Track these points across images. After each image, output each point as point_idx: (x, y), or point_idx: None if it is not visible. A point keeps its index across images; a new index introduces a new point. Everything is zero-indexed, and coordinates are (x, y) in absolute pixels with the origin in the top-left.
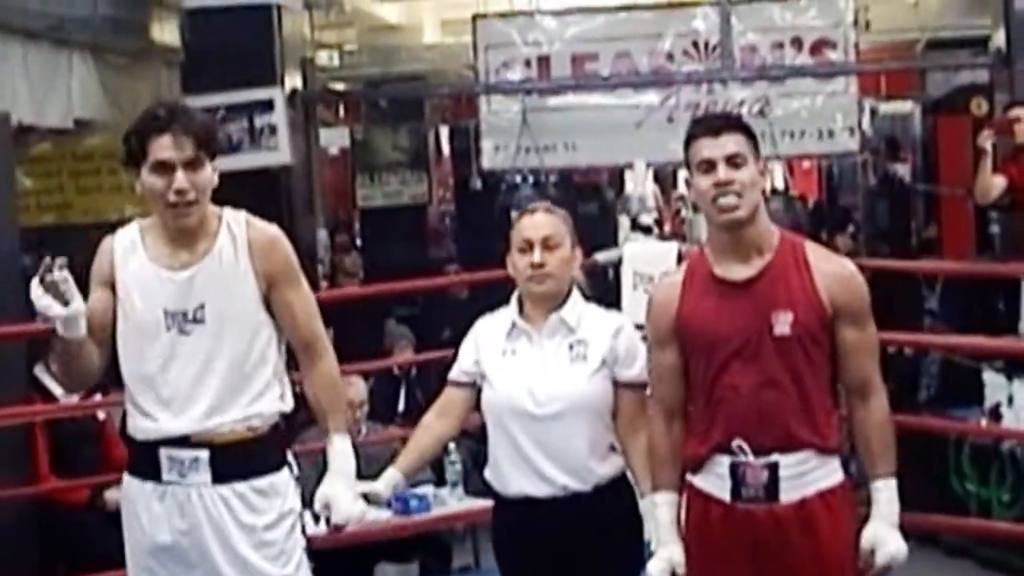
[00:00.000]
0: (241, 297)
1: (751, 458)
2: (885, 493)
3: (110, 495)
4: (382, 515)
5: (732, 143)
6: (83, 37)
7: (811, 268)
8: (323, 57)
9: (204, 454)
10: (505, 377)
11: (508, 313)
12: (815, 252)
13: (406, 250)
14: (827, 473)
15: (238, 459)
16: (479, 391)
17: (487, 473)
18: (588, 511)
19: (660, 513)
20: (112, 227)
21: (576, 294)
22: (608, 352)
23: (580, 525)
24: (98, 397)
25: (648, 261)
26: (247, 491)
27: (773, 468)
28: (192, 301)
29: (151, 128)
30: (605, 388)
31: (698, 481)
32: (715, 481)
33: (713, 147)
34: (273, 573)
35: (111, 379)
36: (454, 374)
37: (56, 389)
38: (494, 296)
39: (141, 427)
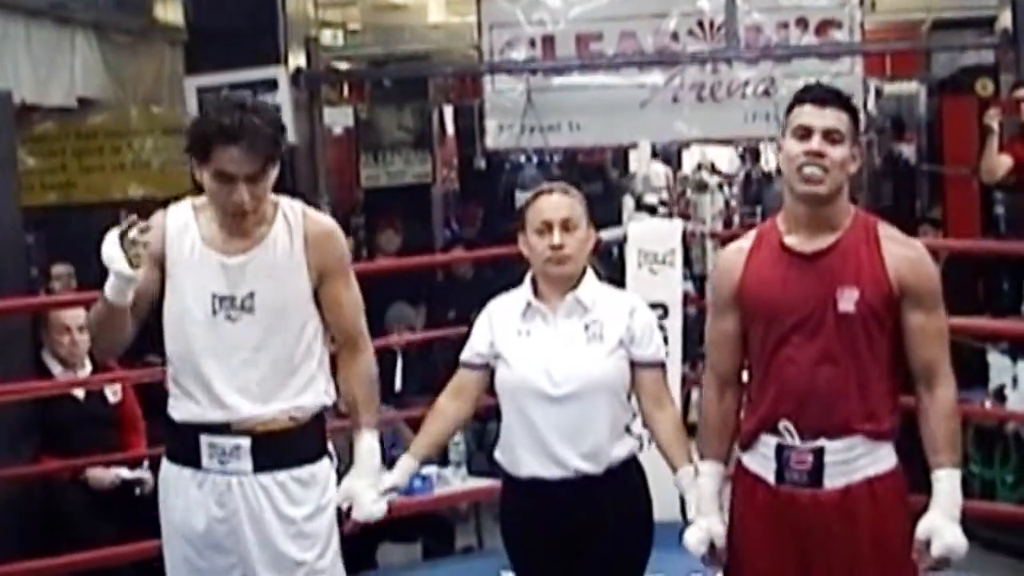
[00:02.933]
0: (292, 288)
1: (797, 441)
2: (946, 483)
3: (92, 473)
4: None
5: (834, 118)
6: (86, 16)
7: (881, 247)
8: (327, 36)
9: (246, 442)
10: (521, 357)
11: (522, 293)
12: (887, 232)
13: (410, 230)
14: (877, 459)
15: (280, 448)
16: (492, 373)
17: (497, 454)
18: (599, 493)
19: (703, 483)
20: (115, 206)
21: (590, 274)
22: (624, 332)
23: (590, 507)
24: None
25: (652, 240)
26: (287, 480)
27: (818, 453)
28: (242, 288)
29: (218, 136)
30: (621, 368)
31: (746, 459)
32: (761, 461)
33: (814, 116)
34: (308, 563)
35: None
36: (467, 356)
37: (55, 368)
38: (503, 277)
39: (183, 409)
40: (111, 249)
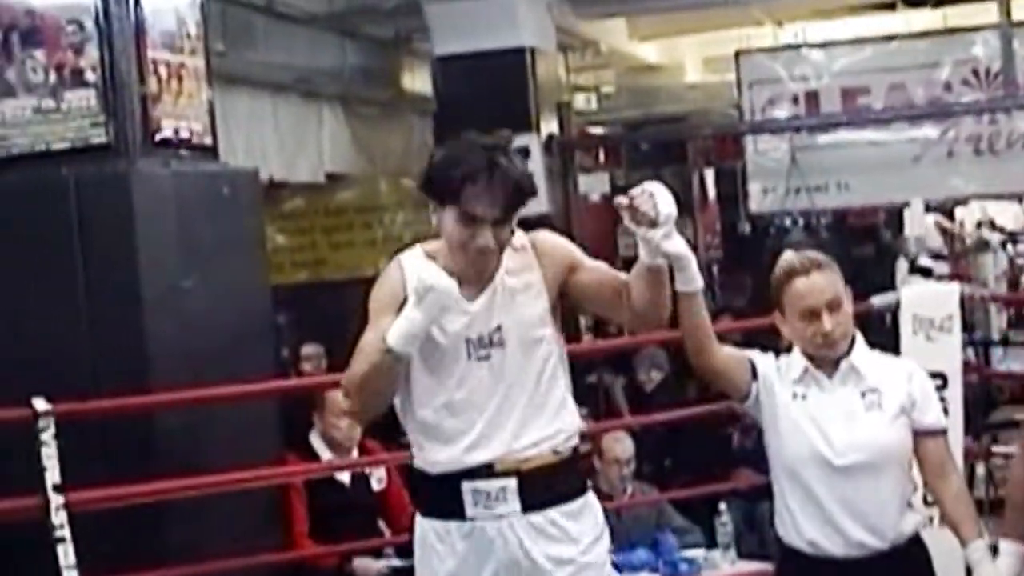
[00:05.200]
0: (533, 312)
1: None
2: None
3: (360, 562)
4: None
5: None
6: (333, 89)
7: None
8: (580, 100)
9: (512, 482)
10: (798, 422)
11: (796, 357)
12: None
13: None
14: None
15: (546, 484)
16: (750, 368)
17: (776, 522)
18: (883, 571)
19: (1002, 562)
20: (368, 282)
21: (860, 339)
22: (905, 398)
23: None
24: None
25: (928, 305)
26: (558, 517)
27: None
28: (489, 324)
29: (469, 175)
30: (905, 437)
31: None
32: None
33: None
34: None
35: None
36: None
37: (325, 453)
38: (775, 347)
39: (441, 460)
40: (434, 275)
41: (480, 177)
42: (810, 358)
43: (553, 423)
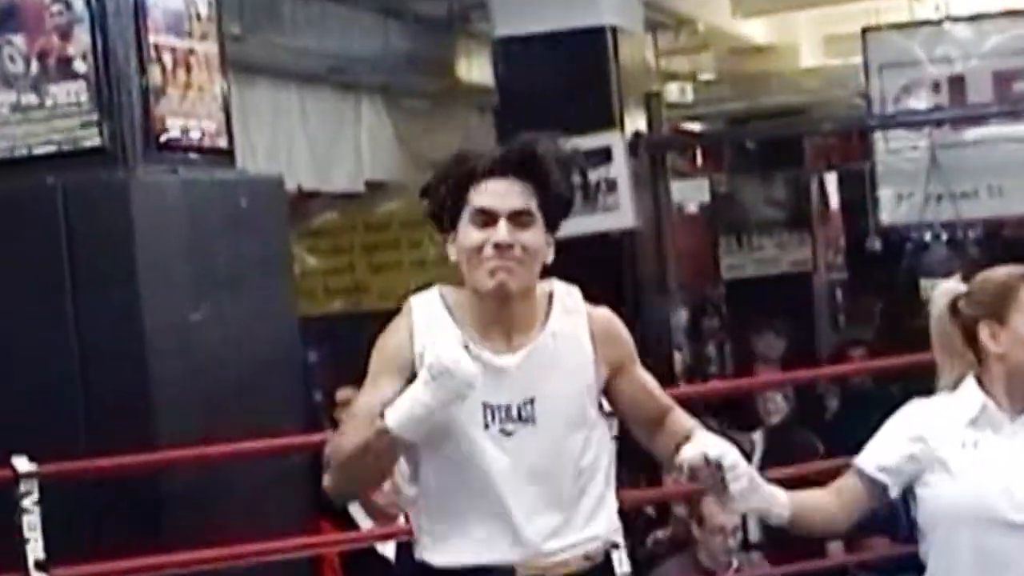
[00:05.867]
0: (577, 391)
1: None
2: None
3: None
4: None
5: None
6: (373, 79)
7: None
8: (673, 91)
9: None
10: (970, 474)
11: (967, 395)
12: None
13: (789, 332)
14: None
15: None
16: (883, 490)
17: None
18: None
19: None
20: None
21: None
22: None
23: None
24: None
25: None
26: None
27: None
28: (519, 394)
29: (480, 165)
30: None
31: None
32: None
33: None
34: None
35: None
36: (865, 462)
37: (364, 521)
38: (912, 390)
39: (445, 554)
40: (453, 352)
41: (496, 164)
42: (992, 395)
43: (589, 525)
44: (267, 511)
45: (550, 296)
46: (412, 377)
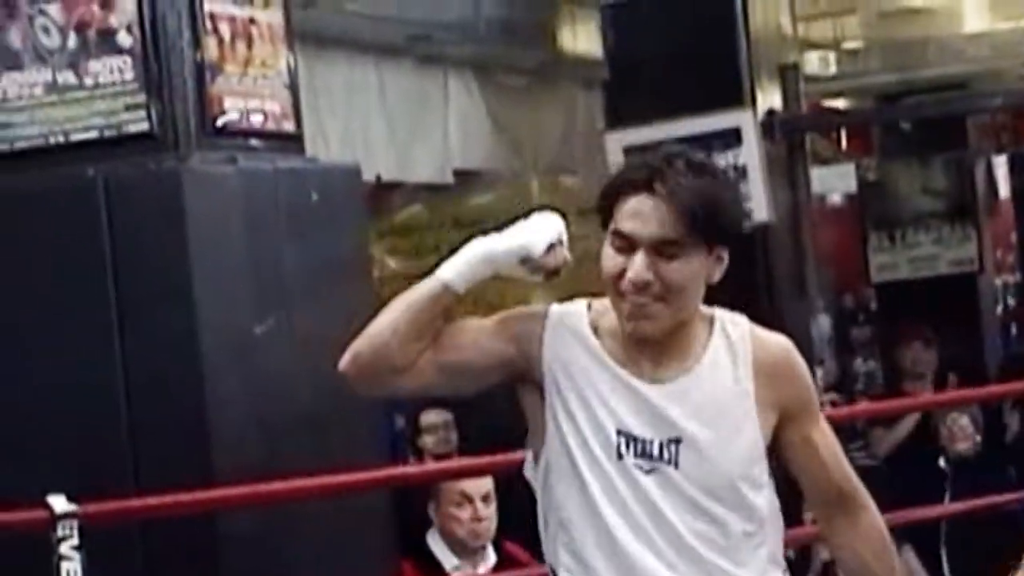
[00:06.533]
0: (736, 436)
1: None
2: None
3: None
4: None
5: None
6: (462, 51)
7: None
8: (813, 61)
9: None
10: None
11: None
12: None
13: (948, 343)
14: None
15: None
16: None
17: None
18: None
19: None
20: None
21: None
22: None
23: None
24: None
25: None
26: None
27: None
28: (663, 430)
29: (623, 184)
30: None
31: None
32: None
33: None
34: None
35: None
36: None
37: (449, 559)
38: None
39: None
40: (544, 228)
41: (639, 182)
42: None
43: None
44: (341, 555)
45: (711, 321)
46: (524, 370)
